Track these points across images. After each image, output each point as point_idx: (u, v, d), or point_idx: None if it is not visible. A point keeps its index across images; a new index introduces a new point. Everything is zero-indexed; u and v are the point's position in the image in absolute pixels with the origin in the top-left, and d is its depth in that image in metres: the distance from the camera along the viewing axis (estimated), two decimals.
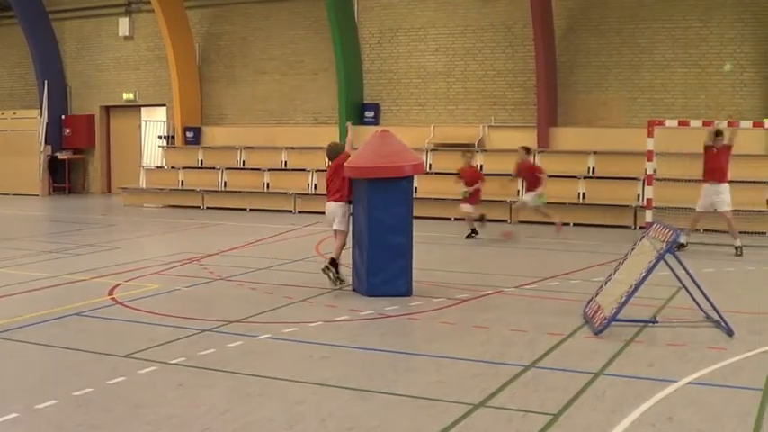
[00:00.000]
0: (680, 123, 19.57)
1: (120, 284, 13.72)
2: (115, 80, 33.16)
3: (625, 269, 11.73)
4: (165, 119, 31.85)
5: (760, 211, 21.06)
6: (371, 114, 28.19)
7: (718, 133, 17.71)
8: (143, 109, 33.11)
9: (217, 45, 31.10)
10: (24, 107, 34.14)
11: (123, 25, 32.44)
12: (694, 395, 8.06)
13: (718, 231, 18.68)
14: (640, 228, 20.78)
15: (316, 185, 26.80)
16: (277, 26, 29.97)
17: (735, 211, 18.20)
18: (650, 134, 19.29)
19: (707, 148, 17.81)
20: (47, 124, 32.82)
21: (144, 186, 29.97)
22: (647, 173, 19.63)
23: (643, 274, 10.55)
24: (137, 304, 12.23)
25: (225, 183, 28.49)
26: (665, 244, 10.63)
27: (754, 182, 21.71)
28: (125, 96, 32.92)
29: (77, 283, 13.95)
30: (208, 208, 27.73)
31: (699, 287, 11.04)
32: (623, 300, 10.44)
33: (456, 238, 20.23)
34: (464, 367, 9.07)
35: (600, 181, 23.77)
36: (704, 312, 11.12)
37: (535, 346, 9.84)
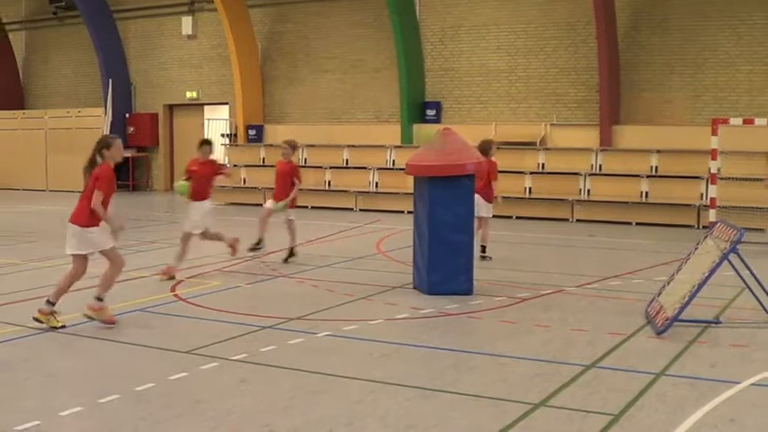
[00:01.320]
0: (745, 122, 19.33)
1: (182, 281, 13.85)
2: (178, 78, 33.49)
3: (688, 269, 11.63)
4: (227, 117, 32.11)
5: None
6: (433, 112, 28.16)
7: None
8: (206, 107, 33.40)
9: (279, 44, 31.25)
10: (89, 105, 34.55)
11: (186, 24, 32.76)
12: (758, 397, 7.97)
13: None
14: (703, 227, 20.57)
15: (377, 183, 26.88)
16: (338, 24, 30.05)
17: (747, 208, 18.05)
18: (714, 132, 19.10)
19: None
20: (111, 122, 33.12)
21: None
22: (711, 172, 19.42)
23: (706, 274, 10.46)
24: (199, 301, 12.34)
25: None
26: (728, 244, 10.53)
27: None
28: (188, 95, 33.23)
29: (140, 280, 14.08)
30: None
31: (763, 288, 10.92)
32: (686, 300, 10.35)
33: (517, 236, 20.17)
34: (525, 367, 9.03)
35: (663, 180, 23.56)
36: None
37: (596, 346, 9.78)
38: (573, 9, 26.14)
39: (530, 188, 24.79)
